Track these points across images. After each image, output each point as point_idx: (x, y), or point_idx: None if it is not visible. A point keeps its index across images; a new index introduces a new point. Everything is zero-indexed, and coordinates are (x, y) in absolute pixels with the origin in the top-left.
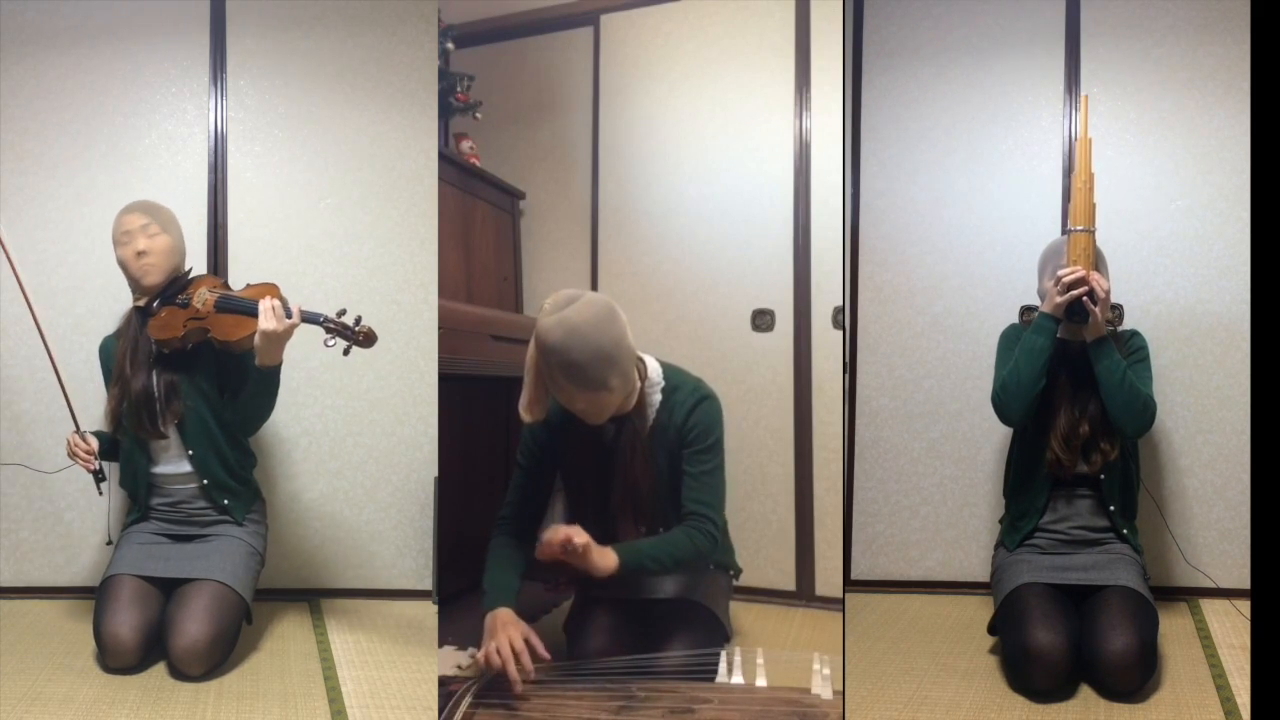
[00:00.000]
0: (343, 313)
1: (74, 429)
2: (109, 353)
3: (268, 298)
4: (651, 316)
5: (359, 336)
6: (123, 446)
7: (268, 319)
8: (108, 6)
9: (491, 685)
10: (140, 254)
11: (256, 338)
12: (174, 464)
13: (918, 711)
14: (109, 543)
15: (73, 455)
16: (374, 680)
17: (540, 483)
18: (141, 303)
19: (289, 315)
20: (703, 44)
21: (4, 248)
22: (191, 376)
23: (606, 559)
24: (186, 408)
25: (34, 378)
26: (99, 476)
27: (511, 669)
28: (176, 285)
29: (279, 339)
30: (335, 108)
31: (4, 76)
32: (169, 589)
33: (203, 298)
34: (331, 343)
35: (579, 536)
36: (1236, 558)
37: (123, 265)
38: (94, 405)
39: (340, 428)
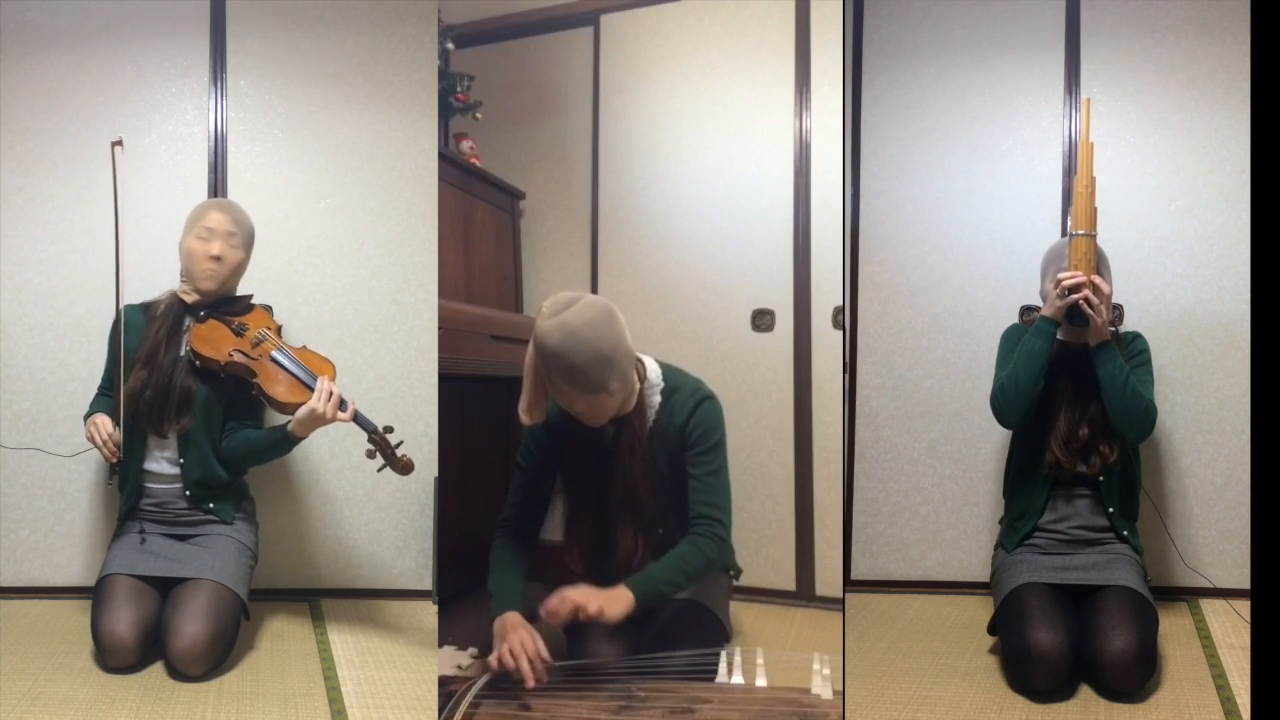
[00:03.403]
0: (390, 430)
1: (107, 419)
2: (131, 325)
3: (327, 379)
4: (651, 316)
5: (398, 464)
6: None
7: (321, 402)
8: (108, 6)
9: (492, 685)
10: (214, 258)
11: (301, 409)
12: (163, 465)
13: (918, 711)
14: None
15: (94, 440)
16: (374, 680)
17: (541, 485)
18: (190, 299)
19: (343, 407)
20: (703, 44)
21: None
22: (208, 393)
23: (620, 603)
24: (194, 419)
25: (34, 378)
26: (114, 469)
27: (525, 665)
28: (233, 304)
29: (322, 423)
30: (335, 108)
31: (4, 76)
32: (164, 588)
33: (260, 338)
34: (372, 455)
35: (591, 604)
36: (1236, 558)
37: (187, 256)
38: (89, 393)
39: (340, 427)
